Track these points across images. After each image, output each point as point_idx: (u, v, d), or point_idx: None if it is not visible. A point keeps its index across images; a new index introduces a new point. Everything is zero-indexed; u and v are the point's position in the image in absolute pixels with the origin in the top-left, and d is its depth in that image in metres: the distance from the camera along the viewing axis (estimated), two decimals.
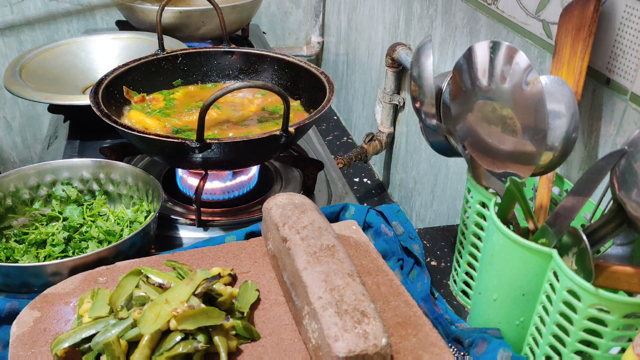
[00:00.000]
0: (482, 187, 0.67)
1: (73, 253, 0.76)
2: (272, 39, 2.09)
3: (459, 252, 0.74)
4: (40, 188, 0.84)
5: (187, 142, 0.75)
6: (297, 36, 2.12)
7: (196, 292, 0.58)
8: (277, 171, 1.01)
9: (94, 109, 0.83)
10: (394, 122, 1.55)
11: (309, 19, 2.09)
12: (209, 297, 0.60)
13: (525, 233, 0.65)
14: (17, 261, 0.75)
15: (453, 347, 0.63)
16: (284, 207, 0.68)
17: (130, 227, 0.81)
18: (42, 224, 0.81)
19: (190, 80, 1.08)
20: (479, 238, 0.69)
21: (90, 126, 1.15)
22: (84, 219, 0.82)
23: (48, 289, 0.65)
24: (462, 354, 0.61)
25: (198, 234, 0.86)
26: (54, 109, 1.17)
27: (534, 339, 0.60)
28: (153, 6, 1.42)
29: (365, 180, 1.73)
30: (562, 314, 0.55)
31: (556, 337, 0.56)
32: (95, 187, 0.87)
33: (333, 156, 1.24)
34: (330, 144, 1.89)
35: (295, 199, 0.70)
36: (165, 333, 0.56)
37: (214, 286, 0.60)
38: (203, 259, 0.70)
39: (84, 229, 0.80)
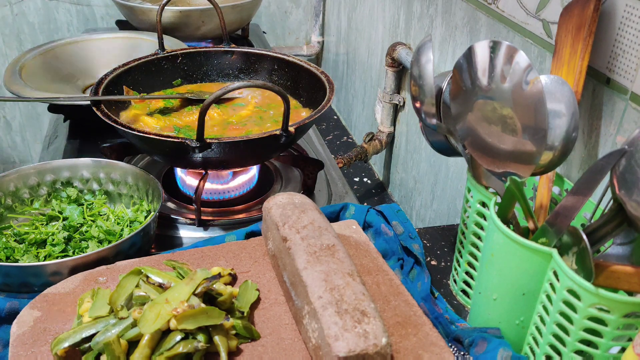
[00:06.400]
0: (482, 186, 0.67)
1: (73, 253, 0.76)
2: (272, 39, 2.09)
3: (459, 252, 0.74)
4: (40, 188, 0.84)
5: (187, 141, 0.75)
6: (297, 36, 2.12)
7: (196, 292, 0.58)
8: (277, 171, 1.01)
9: (94, 109, 0.83)
10: (394, 122, 1.55)
11: (309, 18, 2.09)
12: (209, 297, 0.60)
13: (525, 232, 0.65)
14: (17, 261, 0.74)
15: (453, 346, 0.63)
16: (284, 206, 0.68)
17: (130, 226, 0.81)
18: (42, 224, 0.81)
19: (190, 80, 1.08)
20: (479, 237, 0.69)
21: (90, 126, 1.15)
22: (84, 218, 0.82)
23: (48, 288, 0.65)
24: (462, 353, 0.61)
25: (198, 234, 0.86)
26: (54, 108, 1.17)
27: (534, 339, 0.60)
28: (153, 6, 1.42)
29: (365, 179, 1.73)
30: (562, 314, 0.55)
31: (556, 336, 0.56)
32: (95, 186, 0.87)
33: (333, 156, 1.24)
34: (330, 143, 1.88)
35: (295, 199, 0.69)
36: (165, 333, 0.56)
37: (214, 286, 0.60)
38: (203, 259, 0.70)
39: (84, 228, 0.80)
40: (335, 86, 1.28)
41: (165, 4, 1.03)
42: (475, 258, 0.70)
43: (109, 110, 0.85)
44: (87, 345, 0.56)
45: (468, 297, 0.73)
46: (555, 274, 0.55)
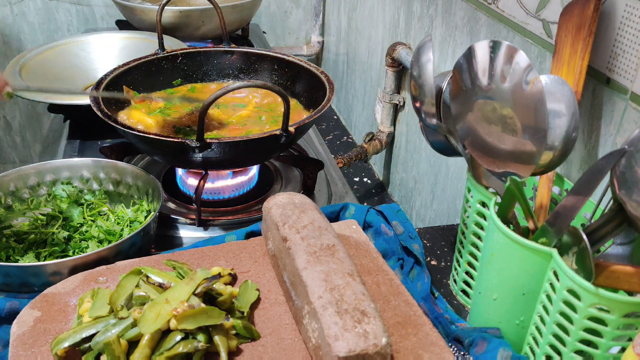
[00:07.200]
0: (482, 186, 0.67)
1: (73, 253, 0.76)
2: (272, 39, 2.09)
3: (459, 252, 0.74)
4: (40, 188, 0.84)
5: (187, 141, 0.75)
6: (297, 36, 2.12)
7: (196, 292, 0.58)
8: (277, 171, 1.01)
9: (94, 109, 0.83)
10: (394, 122, 1.55)
11: (309, 18, 2.09)
12: (209, 297, 0.60)
13: (525, 232, 0.65)
14: (17, 261, 0.74)
15: (453, 346, 0.63)
16: (284, 206, 0.68)
17: (130, 226, 0.81)
18: (42, 224, 0.81)
19: (191, 80, 1.08)
20: (479, 237, 0.69)
21: (90, 126, 1.15)
22: (84, 218, 0.82)
23: (48, 288, 0.65)
24: (462, 353, 0.61)
25: (198, 234, 0.86)
26: (54, 108, 1.17)
27: (534, 339, 0.60)
28: (153, 6, 1.42)
29: (365, 179, 1.73)
30: (562, 314, 0.55)
31: (556, 336, 0.56)
32: (95, 186, 0.87)
33: (333, 156, 1.24)
34: (330, 143, 1.89)
35: (295, 199, 0.69)
36: (165, 333, 0.56)
37: (214, 286, 0.60)
38: (203, 259, 0.70)
39: (84, 228, 0.80)
40: (335, 86, 1.28)
41: (165, 4, 1.03)
42: (475, 258, 0.70)
43: (109, 110, 0.85)
44: (87, 345, 0.56)
45: (468, 297, 0.73)
46: (555, 274, 0.55)
